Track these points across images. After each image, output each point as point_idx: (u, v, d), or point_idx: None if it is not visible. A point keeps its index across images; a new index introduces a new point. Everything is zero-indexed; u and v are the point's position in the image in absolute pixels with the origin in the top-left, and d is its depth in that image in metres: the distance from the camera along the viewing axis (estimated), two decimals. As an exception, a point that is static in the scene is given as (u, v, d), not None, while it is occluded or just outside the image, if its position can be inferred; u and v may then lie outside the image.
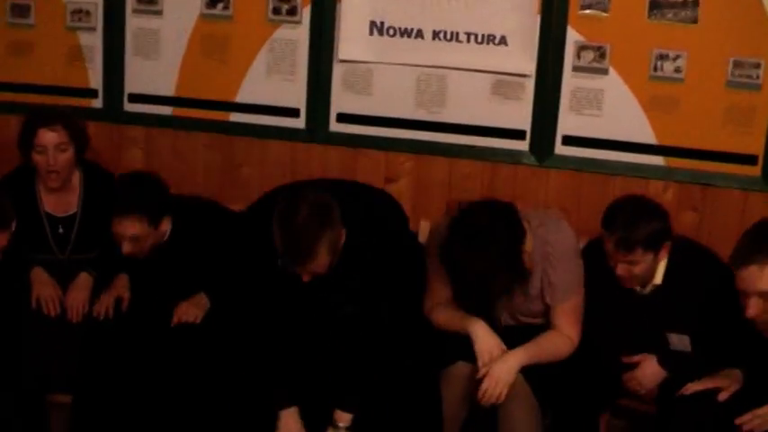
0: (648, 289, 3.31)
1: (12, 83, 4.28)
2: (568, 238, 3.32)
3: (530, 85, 3.84)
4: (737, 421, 2.98)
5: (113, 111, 4.23)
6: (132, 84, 4.20)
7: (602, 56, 3.75)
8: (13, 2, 4.22)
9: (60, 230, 3.74)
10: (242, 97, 4.11)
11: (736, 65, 3.63)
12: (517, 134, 3.89)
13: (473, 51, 3.85)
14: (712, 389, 3.09)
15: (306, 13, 3.98)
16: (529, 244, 3.18)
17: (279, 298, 3.27)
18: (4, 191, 3.49)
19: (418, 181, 4.02)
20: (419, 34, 3.88)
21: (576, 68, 3.78)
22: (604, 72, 3.76)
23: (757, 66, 3.62)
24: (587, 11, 3.73)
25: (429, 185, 4.01)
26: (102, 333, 3.50)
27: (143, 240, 3.43)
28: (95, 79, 4.22)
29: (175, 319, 3.49)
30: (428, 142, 3.97)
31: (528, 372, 3.25)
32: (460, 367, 3.27)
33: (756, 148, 3.68)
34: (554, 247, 3.26)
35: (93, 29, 4.17)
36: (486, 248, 3.00)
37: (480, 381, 3.16)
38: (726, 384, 3.09)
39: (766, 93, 3.63)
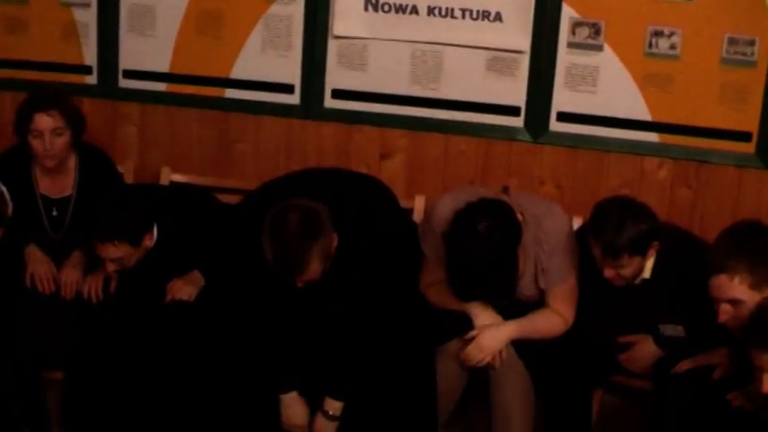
0: (638, 281, 3.30)
1: (6, 59, 4.25)
2: (561, 223, 3.33)
3: (524, 61, 3.83)
4: (729, 396, 3.01)
5: (108, 87, 4.21)
6: (127, 60, 4.18)
7: (597, 32, 3.74)
8: (8, -22, 4.19)
9: (54, 213, 3.73)
10: (236, 73, 4.09)
11: (731, 42, 3.62)
12: (512, 110, 3.89)
13: (468, 27, 3.83)
14: (706, 366, 3.12)
15: (300, -11, 3.96)
16: (524, 237, 3.19)
17: (271, 294, 3.28)
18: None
19: (413, 157, 4.02)
20: (414, 10, 3.87)
21: (570, 45, 3.77)
22: (599, 48, 3.75)
23: (752, 43, 3.61)
24: (582, -13, 3.73)
25: (424, 161, 4.02)
26: (94, 311, 3.51)
27: (127, 259, 3.42)
28: (90, 56, 4.20)
29: (169, 297, 3.49)
30: (423, 118, 3.97)
31: (522, 348, 3.29)
32: (456, 344, 3.29)
33: (751, 125, 3.68)
34: (547, 233, 3.27)
35: (87, 5, 4.14)
36: (484, 256, 3.03)
37: (468, 342, 3.23)
38: (718, 361, 3.11)
39: (761, 70, 3.62)
